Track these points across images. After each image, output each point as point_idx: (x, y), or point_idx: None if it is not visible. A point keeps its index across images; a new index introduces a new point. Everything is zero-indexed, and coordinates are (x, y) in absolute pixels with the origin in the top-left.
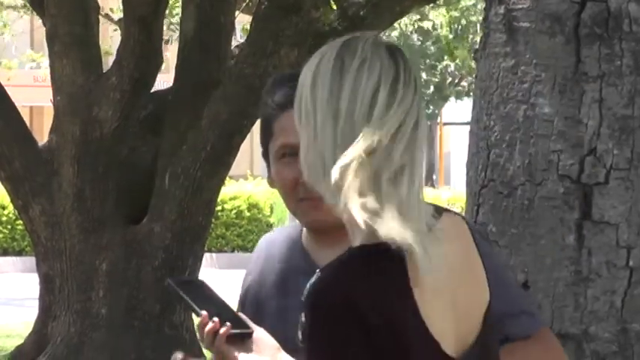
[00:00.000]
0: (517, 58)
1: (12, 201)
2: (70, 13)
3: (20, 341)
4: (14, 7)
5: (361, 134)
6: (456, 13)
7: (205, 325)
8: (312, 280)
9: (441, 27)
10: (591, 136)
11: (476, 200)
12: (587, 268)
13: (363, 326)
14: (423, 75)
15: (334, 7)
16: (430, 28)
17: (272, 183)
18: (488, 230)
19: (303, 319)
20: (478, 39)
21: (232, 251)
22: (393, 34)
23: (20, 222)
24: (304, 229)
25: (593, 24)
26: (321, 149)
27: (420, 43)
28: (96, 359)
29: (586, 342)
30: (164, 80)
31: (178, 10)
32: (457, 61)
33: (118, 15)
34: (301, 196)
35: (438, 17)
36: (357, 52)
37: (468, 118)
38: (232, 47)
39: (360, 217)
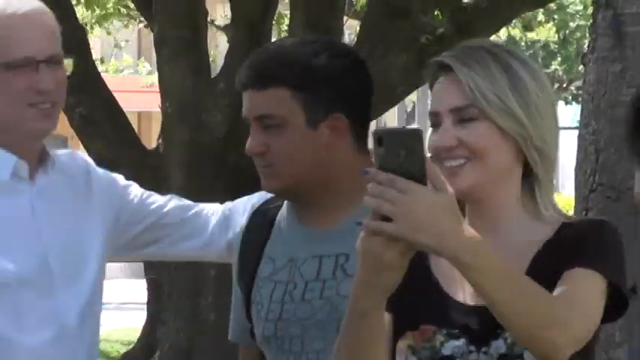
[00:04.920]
0: (625, 63)
1: None
2: (178, 18)
3: (129, 347)
4: (119, 15)
5: None
6: (558, 17)
7: None
8: None
9: (548, 31)
10: None
11: (584, 204)
12: None
13: None
14: None
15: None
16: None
17: None
18: None
19: None
20: (586, 43)
21: None
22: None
23: None
24: None
25: None
26: None
27: (526, 48)
28: None
29: None
30: None
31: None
32: (564, 65)
33: (224, 21)
34: None
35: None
36: None
37: (575, 122)
38: None
39: None
